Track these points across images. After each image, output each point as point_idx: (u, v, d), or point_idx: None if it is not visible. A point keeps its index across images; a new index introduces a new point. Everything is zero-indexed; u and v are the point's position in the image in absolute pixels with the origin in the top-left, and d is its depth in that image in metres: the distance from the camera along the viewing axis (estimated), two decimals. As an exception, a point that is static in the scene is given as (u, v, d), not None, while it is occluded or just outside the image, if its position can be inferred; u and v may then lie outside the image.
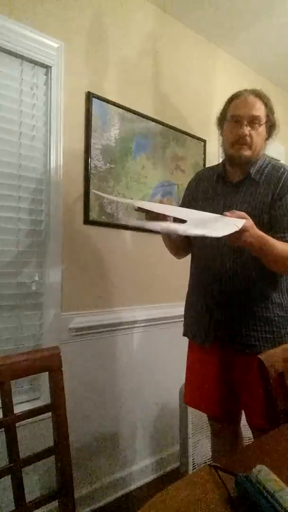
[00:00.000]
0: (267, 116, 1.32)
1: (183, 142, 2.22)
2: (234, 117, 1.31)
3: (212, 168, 1.52)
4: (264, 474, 0.64)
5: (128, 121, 1.93)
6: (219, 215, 1.09)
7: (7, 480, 0.90)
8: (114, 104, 1.86)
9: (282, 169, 1.31)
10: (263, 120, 1.30)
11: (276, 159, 1.40)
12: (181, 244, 1.48)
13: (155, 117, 2.06)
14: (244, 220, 1.04)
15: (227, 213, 1.06)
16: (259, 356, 1.04)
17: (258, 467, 0.66)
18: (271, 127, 1.35)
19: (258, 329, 1.28)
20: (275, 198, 1.26)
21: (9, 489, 0.90)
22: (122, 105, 1.90)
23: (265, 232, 1.16)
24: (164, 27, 2.13)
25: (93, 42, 1.79)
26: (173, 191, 2.16)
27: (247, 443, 1.52)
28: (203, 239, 1.37)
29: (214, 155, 2.39)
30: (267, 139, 1.37)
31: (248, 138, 1.29)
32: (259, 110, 1.30)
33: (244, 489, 0.63)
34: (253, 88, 1.35)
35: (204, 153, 2.34)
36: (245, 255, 1.26)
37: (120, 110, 1.89)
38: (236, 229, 0.99)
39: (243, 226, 1.03)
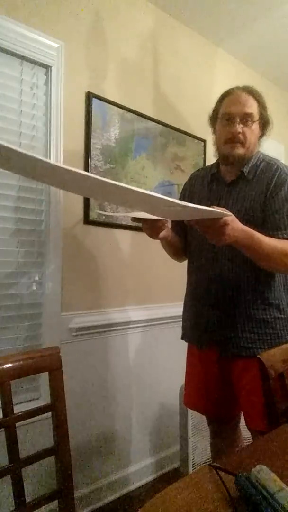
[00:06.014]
0: (260, 113, 1.30)
1: (183, 142, 2.22)
2: (226, 115, 1.29)
3: (206, 168, 1.51)
4: (264, 474, 0.64)
5: (128, 121, 1.93)
6: (199, 205, 1.07)
7: (7, 480, 0.90)
8: (114, 104, 1.86)
9: (276, 166, 1.29)
10: (256, 117, 1.29)
11: (269, 157, 1.37)
12: (179, 247, 1.47)
13: (155, 117, 2.06)
14: (224, 212, 1.03)
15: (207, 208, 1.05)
16: (259, 356, 1.04)
17: (258, 467, 0.66)
18: (264, 124, 1.33)
19: (255, 331, 1.27)
20: (268, 195, 1.25)
21: (9, 489, 0.90)
22: (122, 105, 1.90)
23: (260, 231, 1.15)
24: (164, 27, 2.13)
25: (93, 42, 1.79)
26: (173, 191, 2.16)
27: (247, 444, 1.52)
28: (200, 241, 1.37)
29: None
30: (260, 136, 1.35)
31: (241, 136, 1.27)
32: (252, 107, 1.28)
33: (244, 489, 0.63)
34: (246, 85, 1.33)
35: (204, 153, 2.34)
36: (240, 257, 1.25)
37: (120, 110, 1.89)
38: (209, 208, 0.98)
39: (223, 220, 1.02)
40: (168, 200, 0.95)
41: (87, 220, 1.76)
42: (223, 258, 1.30)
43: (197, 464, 1.86)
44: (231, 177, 1.34)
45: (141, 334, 1.99)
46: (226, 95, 1.33)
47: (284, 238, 1.21)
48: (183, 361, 1.49)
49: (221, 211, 1.02)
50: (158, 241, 1.47)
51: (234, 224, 1.07)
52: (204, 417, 1.57)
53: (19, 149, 0.67)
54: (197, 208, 0.95)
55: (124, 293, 1.93)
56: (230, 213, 1.05)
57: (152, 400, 2.05)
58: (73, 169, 0.71)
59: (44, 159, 0.71)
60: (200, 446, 1.87)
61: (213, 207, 1.04)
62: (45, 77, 1.64)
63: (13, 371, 0.92)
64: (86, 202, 1.76)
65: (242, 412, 1.39)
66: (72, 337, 1.70)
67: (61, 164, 0.73)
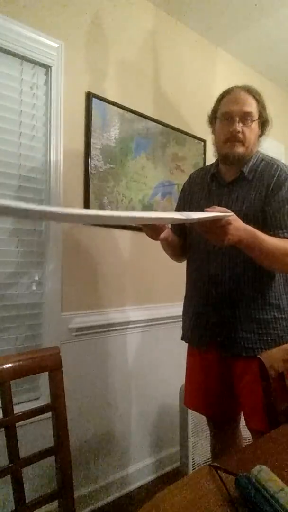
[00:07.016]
0: (259, 112, 1.30)
1: (183, 142, 2.22)
2: (225, 114, 1.28)
3: (205, 168, 1.51)
4: (264, 474, 0.64)
5: (128, 121, 1.93)
6: (201, 212, 1.08)
7: (7, 480, 0.90)
8: (114, 104, 1.86)
9: (275, 165, 1.29)
10: (255, 116, 1.28)
11: (269, 157, 1.37)
12: (179, 247, 1.47)
13: (155, 117, 2.06)
14: (226, 213, 1.02)
15: (208, 209, 1.04)
16: (259, 356, 1.04)
17: (258, 467, 0.66)
18: (263, 123, 1.33)
19: (255, 331, 1.27)
20: (268, 195, 1.25)
21: (9, 489, 0.90)
22: (122, 105, 1.90)
23: (260, 231, 1.15)
24: (164, 27, 2.13)
25: (93, 42, 1.79)
26: (173, 191, 2.16)
27: (247, 444, 1.52)
28: (199, 241, 1.36)
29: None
30: (260, 135, 1.34)
31: (240, 135, 1.27)
32: (251, 106, 1.27)
33: (244, 489, 0.63)
34: (245, 84, 1.33)
35: (204, 153, 2.33)
36: (241, 256, 1.25)
37: (120, 110, 1.89)
38: (212, 214, 0.98)
39: (225, 220, 1.02)
40: (176, 218, 0.96)
41: (87, 220, 1.76)
42: (223, 257, 1.30)
43: (197, 464, 1.86)
44: (231, 177, 1.34)
45: (141, 334, 1.99)
46: (225, 94, 1.33)
47: (285, 238, 1.21)
48: (183, 361, 1.49)
49: (223, 213, 1.01)
50: (158, 241, 1.47)
51: (237, 224, 1.06)
52: (204, 417, 1.57)
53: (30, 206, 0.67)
54: (202, 217, 0.96)
55: (124, 293, 1.93)
56: (232, 213, 1.04)
57: (152, 400, 2.05)
58: (81, 211, 0.72)
59: (38, 208, 0.71)
60: (200, 446, 1.88)
61: (214, 207, 1.03)
62: (45, 77, 1.64)
63: (13, 371, 0.92)
64: (86, 202, 1.76)
65: (242, 412, 1.39)
66: (72, 337, 1.70)
67: (60, 209, 0.73)
